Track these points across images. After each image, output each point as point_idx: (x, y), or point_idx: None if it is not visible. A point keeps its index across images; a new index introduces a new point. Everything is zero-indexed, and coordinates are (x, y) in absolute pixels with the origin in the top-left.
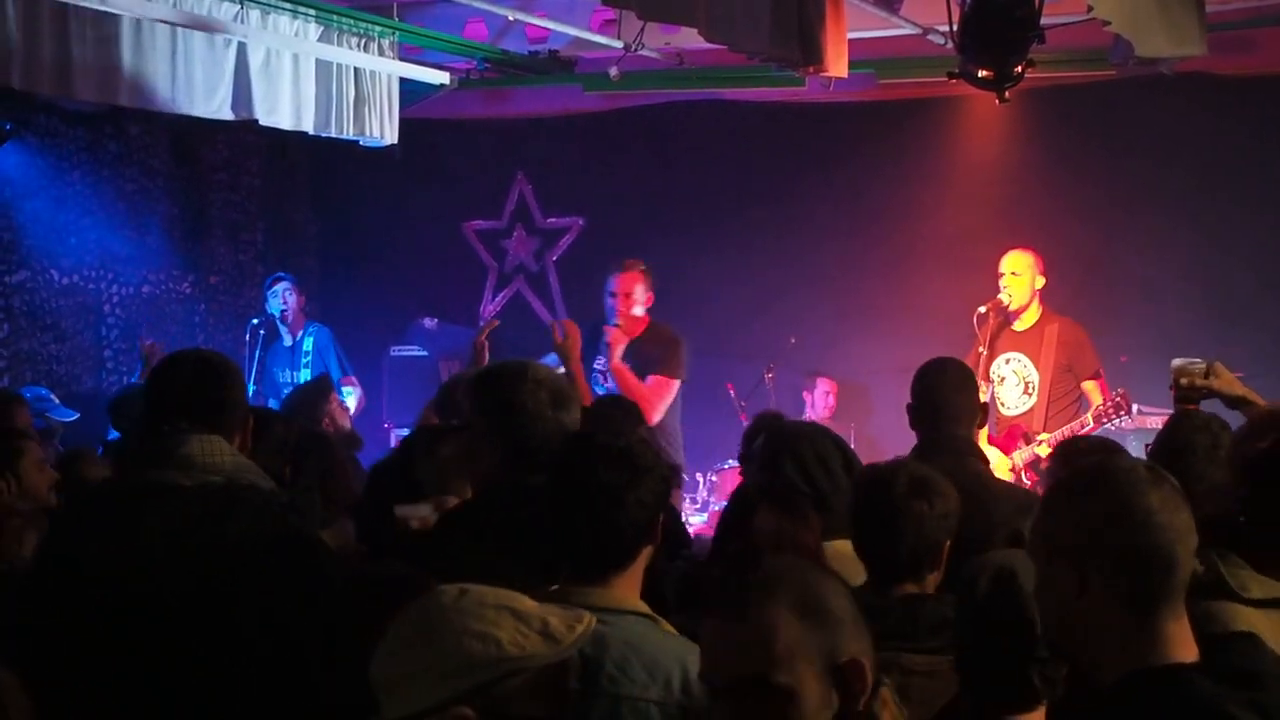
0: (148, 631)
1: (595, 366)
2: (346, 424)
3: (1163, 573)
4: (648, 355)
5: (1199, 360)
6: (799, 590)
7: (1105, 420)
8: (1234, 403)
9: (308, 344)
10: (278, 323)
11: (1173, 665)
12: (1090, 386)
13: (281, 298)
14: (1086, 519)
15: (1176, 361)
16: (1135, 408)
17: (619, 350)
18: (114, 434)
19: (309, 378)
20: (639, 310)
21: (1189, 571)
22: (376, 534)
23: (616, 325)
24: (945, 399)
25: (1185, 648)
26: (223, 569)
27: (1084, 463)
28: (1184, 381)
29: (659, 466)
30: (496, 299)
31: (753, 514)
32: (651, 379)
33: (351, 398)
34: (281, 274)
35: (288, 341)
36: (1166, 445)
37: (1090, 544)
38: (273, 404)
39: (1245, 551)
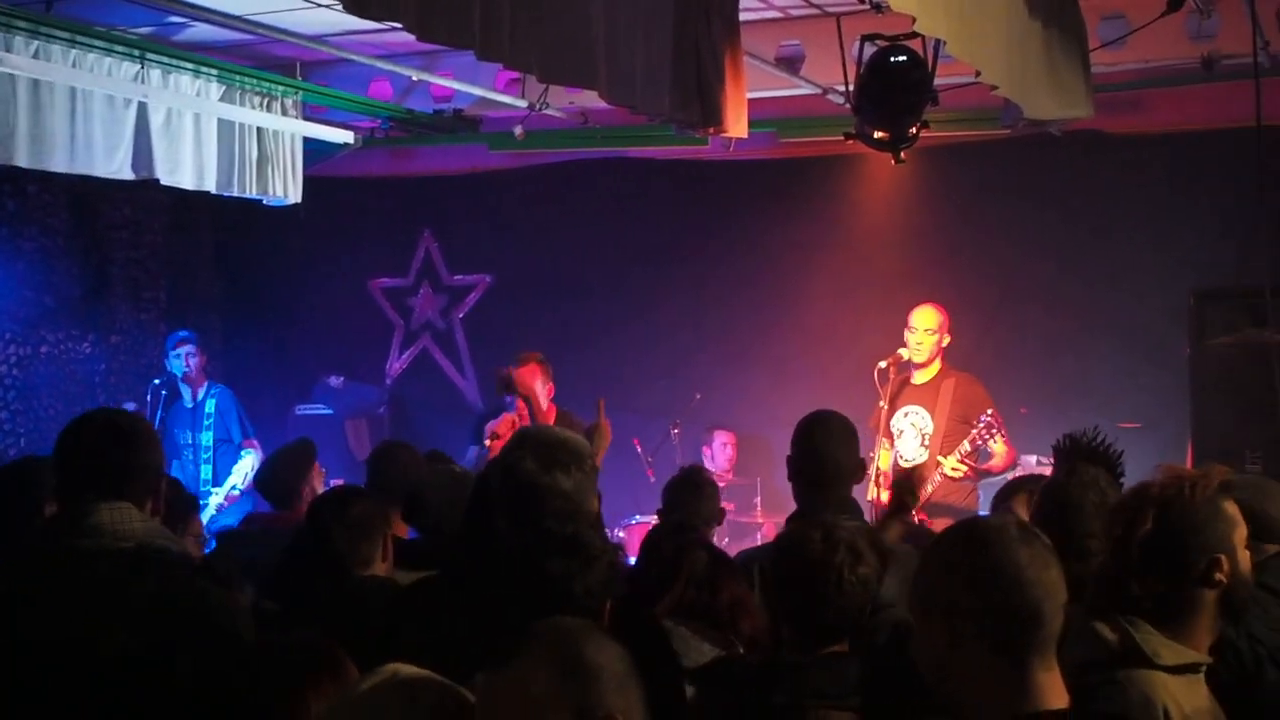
0: (55, 697)
1: None
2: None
3: (1032, 626)
4: None
5: None
6: (556, 645)
7: (981, 442)
8: None
9: (209, 405)
10: (179, 383)
11: (1045, 712)
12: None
13: (185, 360)
14: (957, 576)
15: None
16: (1035, 459)
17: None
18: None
19: (210, 440)
20: (543, 403)
21: (1058, 625)
22: (288, 596)
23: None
24: (831, 457)
25: (1056, 695)
26: (132, 632)
27: (959, 521)
28: None
29: (606, 552)
30: (403, 357)
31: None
32: None
33: (250, 459)
34: (184, 333)
35: (189, 403)
36: (1055, 501)
37: (961, 600)
38: (174, 464)
39: (1145, 615)
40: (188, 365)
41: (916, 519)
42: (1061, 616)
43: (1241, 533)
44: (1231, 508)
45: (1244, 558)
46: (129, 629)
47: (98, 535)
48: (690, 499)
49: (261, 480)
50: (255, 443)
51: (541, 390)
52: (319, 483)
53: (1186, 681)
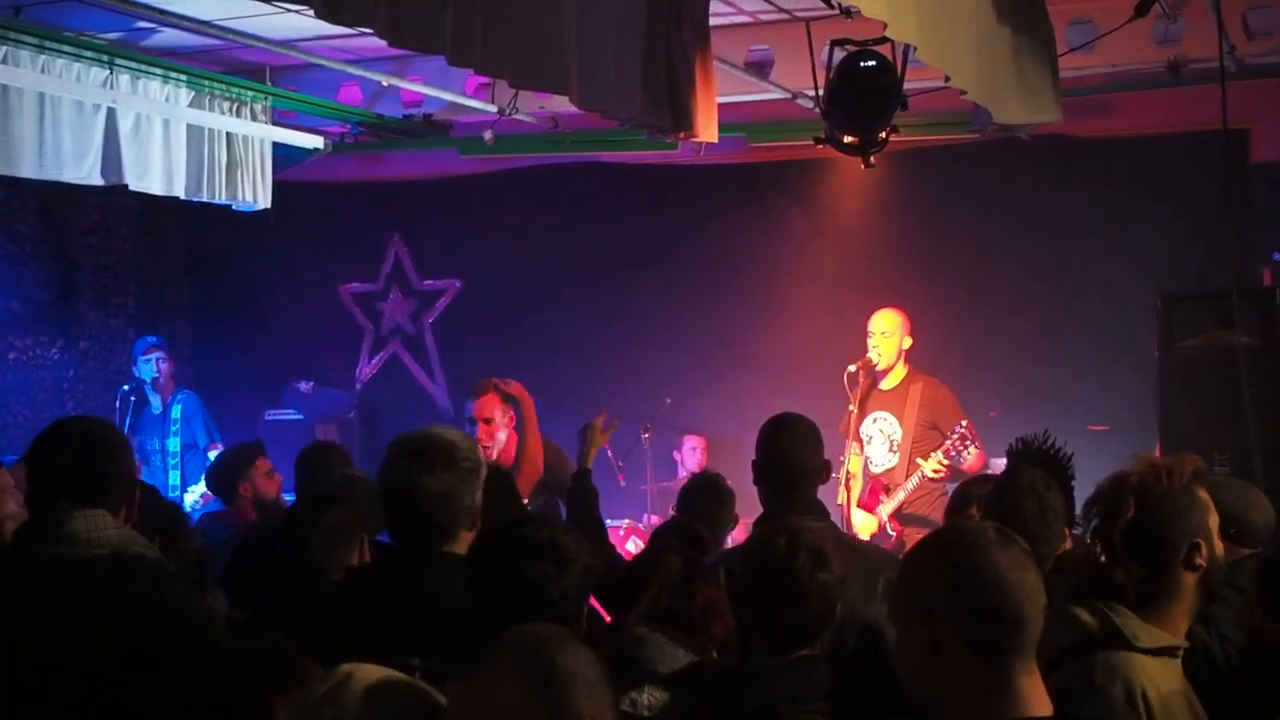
0: (39, 702)
1: None
2: (272, 492)
3: (1013, 630)
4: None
5: None
6: (528, 651)
7: (954, 454)
8: None
9: (176, 411)
10: (147, 389)
11: (1027, 719)
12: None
13: (155, 365)
14: (938, 581)
15: None
16: (1005, 462)
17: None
18: None
19: (178, 445)
20: (502, 435)
21: (1039, 628)
22: (257, 601)
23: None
24: (796, 459)
25: (1039, 702)
26: (117, 637)
27: (936, 528)
28: None
29: (583, 557)
30: (373, 362)
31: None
32: None
33: None
34: (153, 338)
35: (157, 409)
36: (995, 511)
37: (943, 605)
38: (143, 471)
39: (1125, 601)
40: (158, 371)
41: (890, 530)
42: (1041, 620)
43: (1215, 518)
44: (1204, 494)
45: (1218, 543)
46: (115, 634)
47: (72, 542)
48: (712, 507)
49: (208, 476)
50: (220, 447)
51: (503, 419)
52: (267, 484)
53: (1163, 664)
